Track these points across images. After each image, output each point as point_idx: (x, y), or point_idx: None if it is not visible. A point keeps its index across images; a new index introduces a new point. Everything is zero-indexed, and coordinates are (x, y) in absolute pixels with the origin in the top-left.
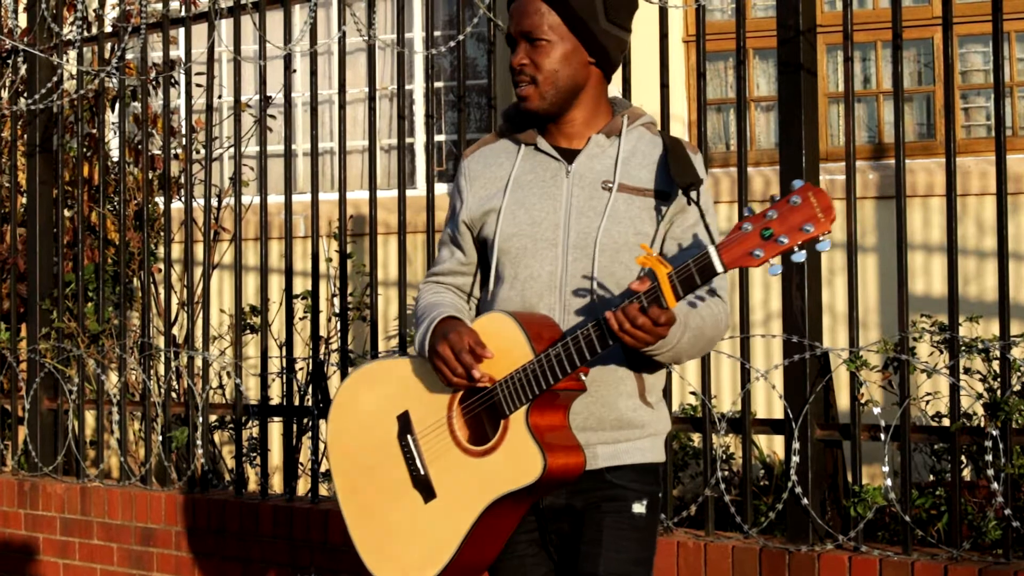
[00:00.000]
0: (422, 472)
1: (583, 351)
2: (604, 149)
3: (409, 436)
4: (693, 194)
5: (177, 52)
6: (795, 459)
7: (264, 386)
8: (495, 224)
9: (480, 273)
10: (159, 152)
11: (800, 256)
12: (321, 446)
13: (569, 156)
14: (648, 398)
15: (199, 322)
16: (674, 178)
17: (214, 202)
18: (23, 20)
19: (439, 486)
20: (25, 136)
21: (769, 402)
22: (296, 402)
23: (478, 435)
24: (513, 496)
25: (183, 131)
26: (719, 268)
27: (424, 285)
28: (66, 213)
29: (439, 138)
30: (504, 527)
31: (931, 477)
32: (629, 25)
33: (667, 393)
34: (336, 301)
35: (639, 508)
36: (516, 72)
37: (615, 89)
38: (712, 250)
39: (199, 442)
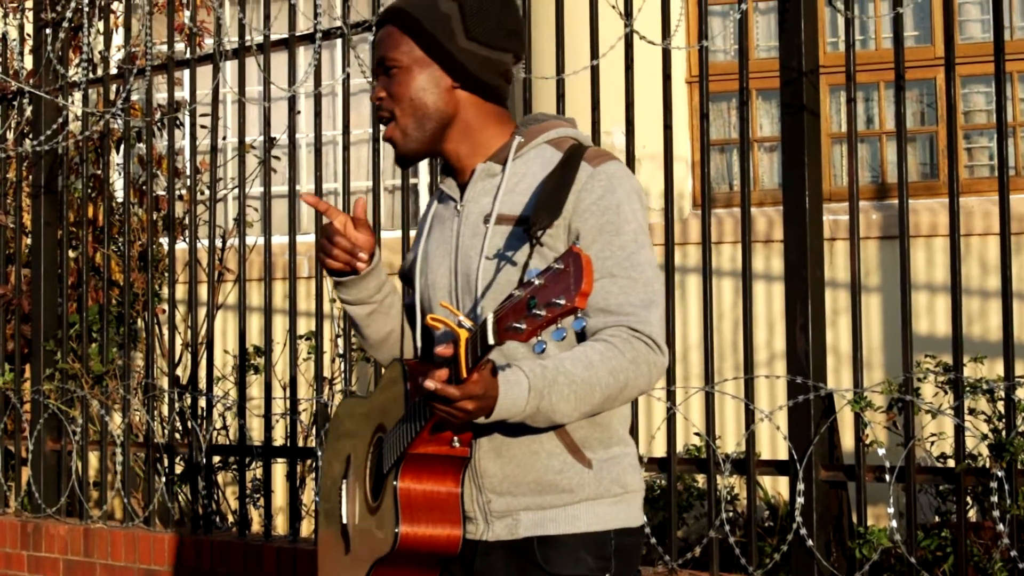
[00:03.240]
0: (344, 520)
1: (414, 423)
2: (494, 179)
3: (344, 480)
4: (540, 234)
5: (182, 94)
6: (800, 500)
7: (268, 427)
8: (414, 276)
9: None
10: (163, 193)
11: (560, 333)
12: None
13: (464, 192)
14: (587, 454)
15: (203, 363)
16: (533, 212)
17: (218, 243)
18: (29, 62)
19: (352, 539)
20: (30, 177)
21: (773, 443)
22: (300, 443)
23: (378, 489)
24: (386, 563)
25: (187, 172)
26: (491, 340)
27: None
28: (70, 254)
29: None
30: None
31: (936, 518)
32: (504, 45)
33: (671, 435)
34: (340, 342)
35: None
36: (376, 109)
37: (617, 125)
38: (490, 319)
39: (202, 483)
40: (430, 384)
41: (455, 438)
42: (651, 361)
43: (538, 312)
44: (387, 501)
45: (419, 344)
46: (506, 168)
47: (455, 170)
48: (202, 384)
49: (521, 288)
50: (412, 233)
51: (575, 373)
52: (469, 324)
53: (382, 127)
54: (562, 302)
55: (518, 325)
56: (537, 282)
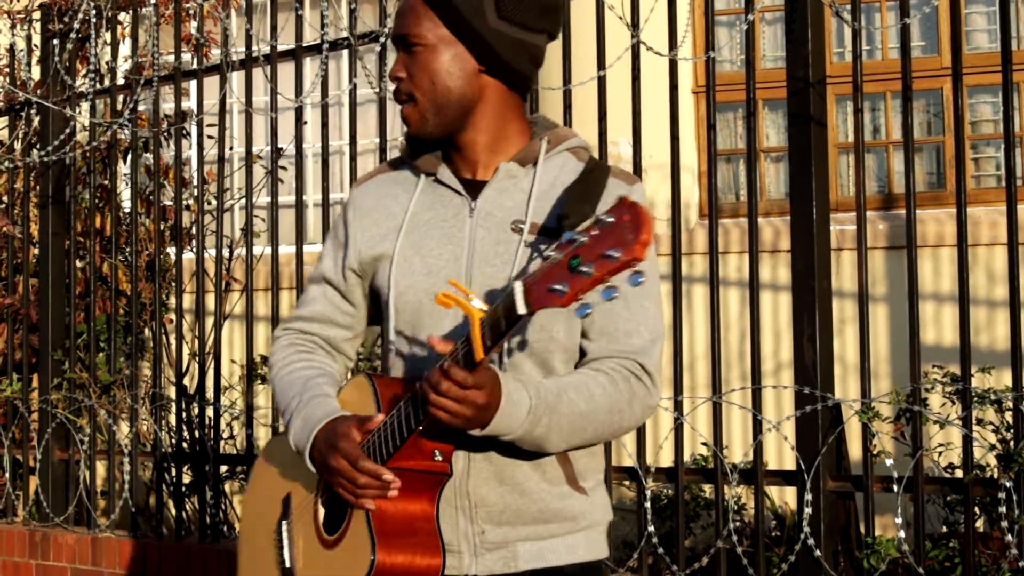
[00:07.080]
0: (288, 564)
1: (400, 427)
2: (517, 181)
3: (285, 522)
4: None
5: (189, 104)
6: (807, 510)
7: (274, 435)
8: (387, 274)
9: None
10: (171, 203)
11: (611, 293)
12: None
13: (474, 189)
14: (581, 483)
15: (210, 372)
16: (563, 213)
17: (225, 253)
18: (36, 72)
19: None
20: (38, 187)
21: (781, 453)
22: None
23: (336, 520)
24: None
25: (195, 182)
26: (521, 309)
27: (285, 336)
28: (78, 264)
29: None
30: None
31: (944, 528)
32: (539, 24)
33: (678, 445)
34: None
35: None
36: (395, 88)
37: (624, 135)
38: (518, 287)
39: (210, 493)
40: (434, 373)
41: (436, 450)
42: (645, 404)
43: (584, 270)
44: (356, 528)
45: (392, 344)
46: (537, 172)
47: (460, 161)
48: (209, 394)
49: (558, 250)
50: None
51: (577, 405)
52: (482, 304)
53: (401, 105)
54: (618, 255)
55: (558, 287)
56: (580, 239)
